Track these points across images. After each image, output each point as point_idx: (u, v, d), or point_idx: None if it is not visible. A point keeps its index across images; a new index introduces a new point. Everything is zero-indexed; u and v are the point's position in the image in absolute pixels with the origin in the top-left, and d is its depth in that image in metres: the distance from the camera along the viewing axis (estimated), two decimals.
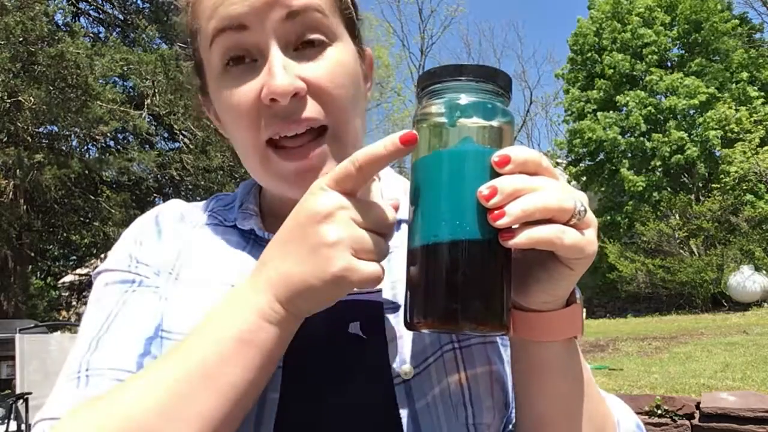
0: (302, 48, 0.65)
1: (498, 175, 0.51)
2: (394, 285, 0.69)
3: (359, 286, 0.52)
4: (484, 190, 0.50)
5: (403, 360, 0.66)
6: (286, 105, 0.63)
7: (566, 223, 0.51)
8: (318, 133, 0.66)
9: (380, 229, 0.54)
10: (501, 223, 0.49)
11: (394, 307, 0.68)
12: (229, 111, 0.67)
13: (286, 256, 0.54)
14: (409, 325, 0.54)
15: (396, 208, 0.57)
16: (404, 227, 0.72)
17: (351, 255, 0.51)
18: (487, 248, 0.51)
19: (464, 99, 0.53)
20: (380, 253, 0.53)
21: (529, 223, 0.50)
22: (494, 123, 0.53)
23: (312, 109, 0.65)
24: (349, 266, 0.51)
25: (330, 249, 0.51)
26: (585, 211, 0.52)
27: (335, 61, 0.66)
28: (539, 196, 0.50)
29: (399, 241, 0.64)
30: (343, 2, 0.70)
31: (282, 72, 0.62)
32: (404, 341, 0.66)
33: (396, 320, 0.67)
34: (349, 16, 0.71)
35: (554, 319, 0.57)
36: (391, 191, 0.78)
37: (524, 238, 0.49)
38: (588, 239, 0.52)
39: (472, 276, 0.50)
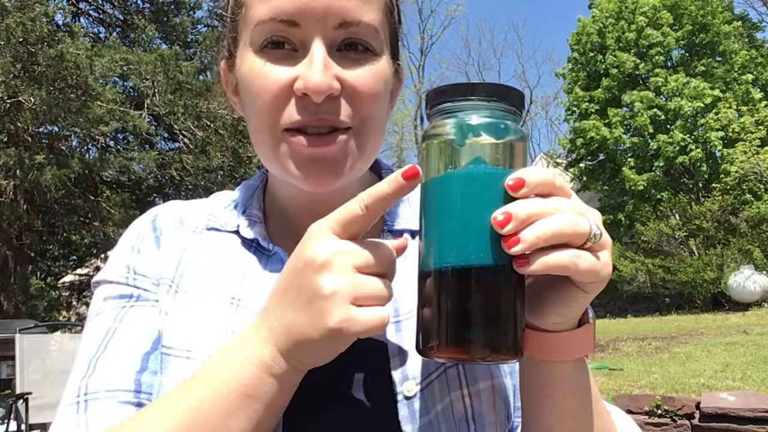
0: (346, 50, 0.64)
1: (511, 198, 0.50)
2: (396, 299, 0.67)
3: (362, 336, 0.50)
4: (498, 216, 0.49)
5: (405, 376, 0.65)
6: (318, 102, 0.62)
7: (581, 247, 0.50)
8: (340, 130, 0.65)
9: (382, 271, 0.52)
10: (516, 250, 0.48)
11: (396, 321, 0.67)
12: (254, 90, 0.65)
13: (286, 308, 0.52)
14: (421, 352, 0.53)
15: (403, 248, 0.56)
16: (414, 242, 0.71)
17: (350, 305, 0.49)
18: (501, 275, 0.50)
19: (476, 119, 0.52)
20: (383, 298, 0.51)
21: (544, 246, 0.49)
22: (506, 142, 0.52)
23: (341, 112, 0.63)
24: (347, 318, 0.49)
25: (326, 301, 0.49)
26: (600, 234, 0.51)
27: (375, 71, 0.65)
28: (554, 221, 0.49)
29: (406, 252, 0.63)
30: (394, 14, 0.69)
31: (322, 69, 0.61)
32: (407, 357, 0.66)
33: (398, 335, 0.67)
34: (394, 27, 0.71)
35: (566, 339, 0.56)
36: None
37: (540, 264, 0.48)
38: (603, 262, 0.51)
39: (485, 304, 0.49)
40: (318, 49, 0.62)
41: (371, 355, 0.66)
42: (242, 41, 0.67)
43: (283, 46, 0.63)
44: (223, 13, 0.71)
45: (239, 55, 0.68)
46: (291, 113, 0.63)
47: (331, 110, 0.63)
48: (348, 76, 0.63)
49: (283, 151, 0.65)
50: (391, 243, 0.54)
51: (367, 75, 0.64)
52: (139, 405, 0.62)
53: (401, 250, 0.56)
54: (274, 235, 0.74)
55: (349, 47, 0.64)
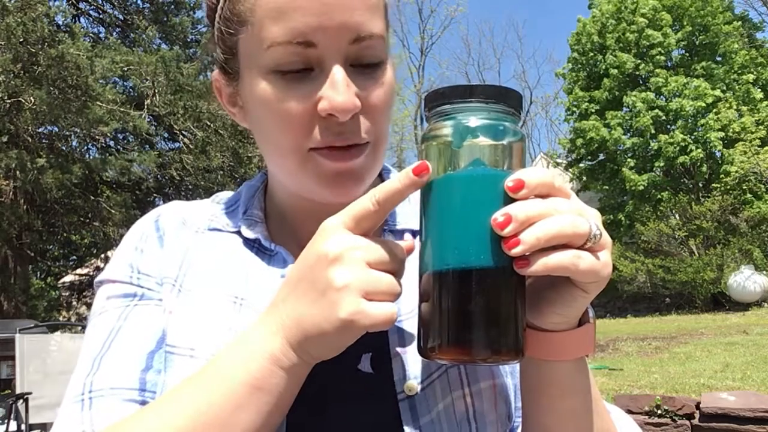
0: (359, 65, 0.64)
1: (511, 199, 0.50)
2: (398, 299, 0.69)
3: (371, 329, 0.50)
4: (498, 217, 0.49)
5: (407, 376, 0.65)
6: (342, 122, 0.62)
7: (581, 247, 0.50)
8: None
9: (393, 268, 0.53)
10: (516, 251, 0.48)
11: (398, 321, 0.67)
12: (273, 114, 0.64)
13: (297, 300, 0.53)
14: (422, 353, 0.54)
15: (411, 249, 0.57)
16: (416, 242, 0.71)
17: (361, 298, 0.50)
18: (501, 276, 0.50)
19: (474, 121, 0.52)
20: (393, 293, 0.52)
21: (544, 248, 0.49)
22: (505, 143, 0.52)
23: (362, 129, 0.65)
24: (358, 310, 0.49)
25: (338, 293, 0.50)
26: (600, 234, 0.51)
27: (387, 83, 0.66)
28: (554, 221, 0.49)
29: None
30: (387, 14, 0.71)
31: (346, 90, 0.61)
32: (408, 356, 0.66)
33: (400, 334, 0.67)
34: (388, 25, 0.71)
35: (566, 339, 0.56)
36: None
37: (540, 265, 0.49)
38: (603, 262, 0.51)
39: (486, 305, 0.50)
40: (338, 69, 0.62)
41: (372, 354, 0.66)
42: (250, 61, 0.65)
43: (299, 66, 0.63)
44: (222, 27, 0.68)
45: (247, 76, 0.66)
46: (316, 135, 0.63)
47: (353, 129, 0.64)
48: (366, 94, 0.64)
49: (309, 170, 0.65)
50: (402, 242, 0.55)
51: (381, 89, 0.65)
52: (144, 403, 0.62)
53: (409, 251, 0.56)
54: (276, 235, 0.75)
55: (362, 60, 0.64)
